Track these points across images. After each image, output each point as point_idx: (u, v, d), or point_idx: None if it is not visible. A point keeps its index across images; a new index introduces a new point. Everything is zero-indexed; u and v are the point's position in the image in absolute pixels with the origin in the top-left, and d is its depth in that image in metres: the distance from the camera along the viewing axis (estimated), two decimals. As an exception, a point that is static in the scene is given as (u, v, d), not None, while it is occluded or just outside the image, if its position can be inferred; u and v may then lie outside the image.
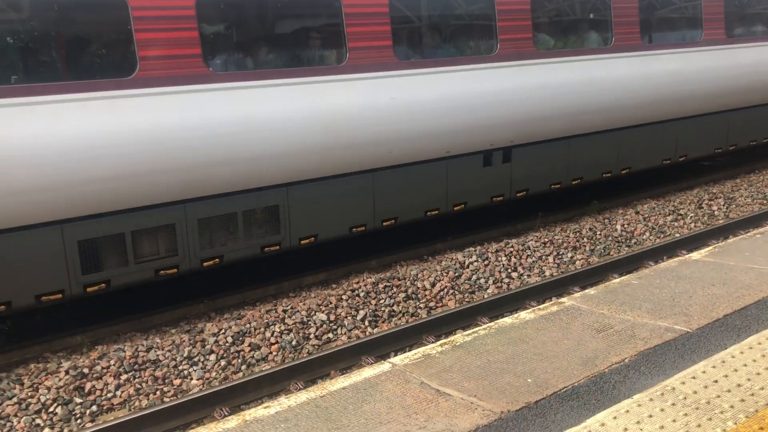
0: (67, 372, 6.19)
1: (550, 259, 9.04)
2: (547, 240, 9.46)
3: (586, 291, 5.12)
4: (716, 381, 3.60)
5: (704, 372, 3.71)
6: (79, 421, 5.81)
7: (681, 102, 10.82)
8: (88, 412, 5.89)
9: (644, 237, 9.97)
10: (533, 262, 8.92)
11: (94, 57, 6.41)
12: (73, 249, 6.31)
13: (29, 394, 5.96)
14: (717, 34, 11.18)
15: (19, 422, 5.68)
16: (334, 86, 7.44)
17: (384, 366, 3.98)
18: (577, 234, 9.74)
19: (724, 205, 11.26)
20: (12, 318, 7.34)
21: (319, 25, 7.67)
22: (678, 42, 10.81)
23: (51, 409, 5.84)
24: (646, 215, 10.60)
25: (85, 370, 6.23)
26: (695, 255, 5.89)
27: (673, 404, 3.38)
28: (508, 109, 8.81)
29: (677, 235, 10.01)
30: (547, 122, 9.29)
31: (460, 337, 4.36)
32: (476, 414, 3.40)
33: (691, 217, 10.73)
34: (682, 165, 11.88)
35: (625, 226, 10.19)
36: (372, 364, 4.03)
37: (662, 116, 10.75)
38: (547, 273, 8.70)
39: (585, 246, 9.48)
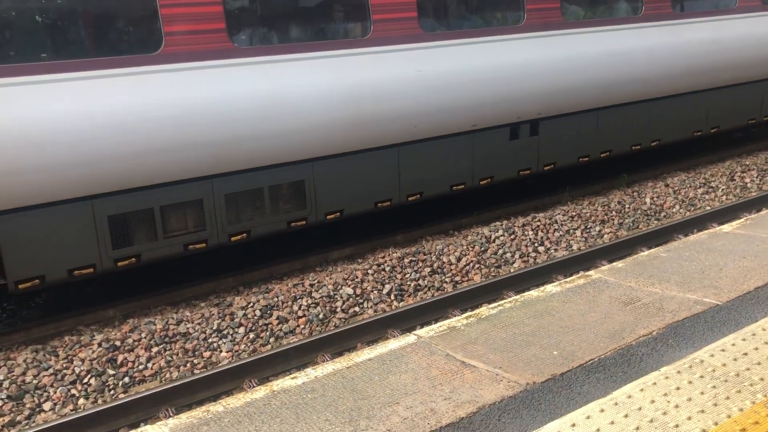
0: (100, 344, 6.33)
1: (578, 233, 8.96)
2: (574, 214, 9.37)
3: (614, 264, 5.07)
4: (746, 353, 3.55)
5: (734, 344, 3.66)
6: (112, 392, 5.96)
7: (713, 72, 10.57)
8: (120, 383, 6.02)
9: (674, 210, 9.83)
10: (560, 236, 8.85)
11: (120, 33, 6.45)
12: (103, 224, 6.41)
13: (64, 365, 6.11)
14: (751, 1, 10.86)
15: (55, 392, 5.83)
16: (359, 59, 7.40)
17: (409, 338, 4.00)
18: (606, 207, 9.63)
19: (757, 177, 11.03)
20: (46, 292, 7.52)
21: (343, -3, 7.62)
22: (711, 10, 10.52)
23: (85, 380, 5.99)
24: (676, 188, 10.44)
25: (117, 343, 6.37)
26: (726, 227, 5.79)
27: (701, 377, 3.35)
28: (536, 81, 8.68)
29: (708, 207, 9.85)
30: (575, 94, 9.14)
31: (485, 309, 4.36)
32: (501, 385, 3.41)
33: (722, 189, 10.54)
34: (713, 137, 11.64)
35: (655, 199, 10.04)
36: (397, 336, 4.05)
37: (694, 87, 10.52)
38: (575, 247, 8.63)
39: (613, 219, 9.37)
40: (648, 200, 9.98)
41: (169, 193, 6.69)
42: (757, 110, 11.69)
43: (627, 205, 9.77)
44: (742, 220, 6.04)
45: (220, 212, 7.01)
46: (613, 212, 9.54)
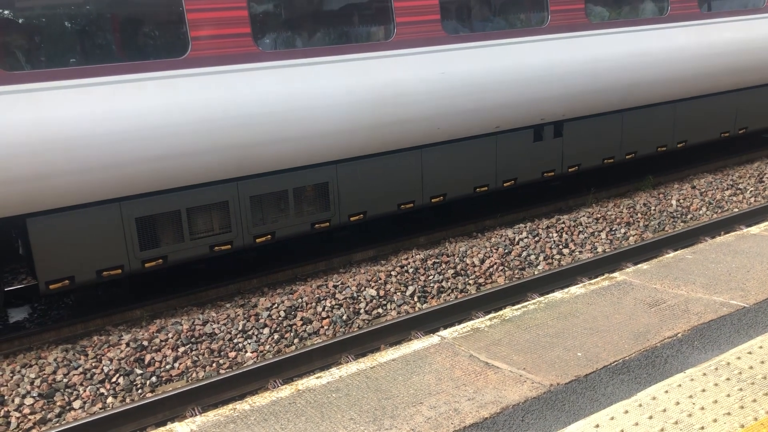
0: (127, 344, 6.44)
1: (603, 235, 8.90)
2: (599, 216, 9.31)
3: (639, 266, 5.04)
4: (773, 356, 3.52)
5: (761, 347, 3.63)
6: (140, 391, 6.05)
7: (741, 72, 10.43)
8: (148, 382, 6.12)
9: (701, 212, 9.71)
10: (585, 238, 8.80)
11: (147, 38, 6.56)
12: (131, 226, 6.52)
13: (93, 364, 6.23)
14: None
15: (84, 391, 5.94)
16: (382, 62, 7.44)
17: (433, 339, 4.02)
18: (631, 209, 9.56)
19: (786, 179, 10.87)
20: (76, 293, 7.66)
21: (367, 0, 7.66)
22: (738, 9, 10.39)
23: (114, 379, 6.09)
24: (703, 190, 10.32)
25: (145, 343, 6.47)
26: (754, 229, 5.72)
27: (728, 379, 3.32)
28: (560, 82, 8.65)
29: (735, 210, 9.72)
30: (600, 95, 9.09)
31: (509, 311, 4.36)
32: (525, 386, 3.41)
33: (750, 191, 10.39)
34: (742, 138, 11.48)
35: (681, 201, 9.94)
36: (421, 337, 4.07)
37: (721, 87, 10.39)
38: (600, 249, 8.58)
39: (639, 222, 9.30)
40: (674, 202, 9.88)
41: (195, 195, 6.79)
42: (787, 110, 11.51)
43: (653, 207, 9.68)
44: (770, 221, 5.96)
45: (245, 214, 7.09)
46: (639, 214, 9.46)
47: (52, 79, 5.91)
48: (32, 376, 6.00)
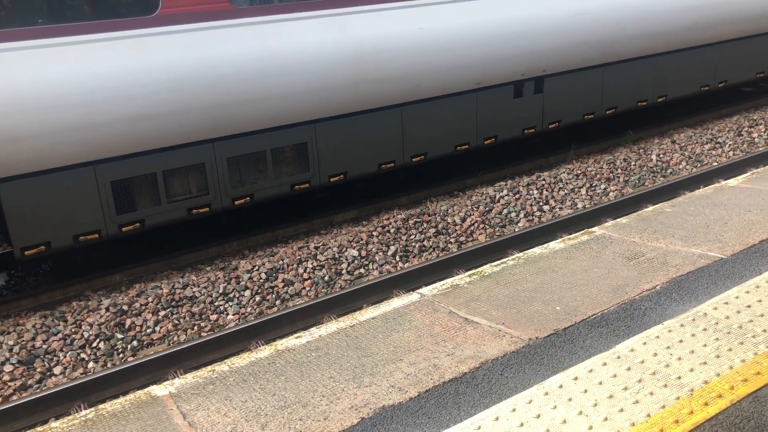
0: (107, 309, 6.39)
1: (583, 191, 8.92)
2: (579, 172, 9.32)
3: (618, 220, 5.04)
4: (749, 306, 3.54)
5: (737, 297, 3.65)
6: (121, 355, 6.03)
7: (720, 25, 10.37)
8: (129, 347, 6.09)
9: (680, 167, 9.75)
10: (565, 194, 8.81)
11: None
12: (106, 189, 6.41)
13: (73, 330, 6.18)
14: None
15: (65, 356, 5.91)
16: (360, 18, 7.29)
17: (412, 296, 4.01)
18: (611, 165, 9.57)
19: (765, 132, 10.91)
20: (53, 258, 7.56)
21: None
22: None
23: (94, 345, 6.06)
24: (683, 144, 10.34)
25: (125, 307, 6.42)
26: (732, 182, 5.74)
27: (705, 329, 3.35)
28: (541, 36, 8.55)
29: (715, 163, 9.77)
30: (580, 50, 9.00)
31: (488, 267, 4.36)
32: (504, 341, 3.42)
33: (729, 145, 10.44)
34: (722, 92, 11.48)
35: (661, 156, 9.96)
36: (401, 295, 4.06)
37: (701, 41, 10.33)
38: (580, 205, 8.60)
39: (619, 177, 9.32)
40: (654, 157, 9.90)
41: (171, 157, 6.67)
42: (766, 64, 11.50)
43: (633, 163, 9.69)
44: (748, 174, 5.98)
45: (222, 176, 6.99)
46: (619, 170, 9.48)
47: (20, 38, 5.72)
48: (11, 343, 5.95)
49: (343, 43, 7.19)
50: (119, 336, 6.16)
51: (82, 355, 5.97)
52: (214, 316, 6.46)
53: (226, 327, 6.32)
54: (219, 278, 6.88)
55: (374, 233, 7.74)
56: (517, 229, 8.02)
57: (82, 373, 5.80)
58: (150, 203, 6.70)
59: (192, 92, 6.45)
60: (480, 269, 4.34)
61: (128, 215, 6.61)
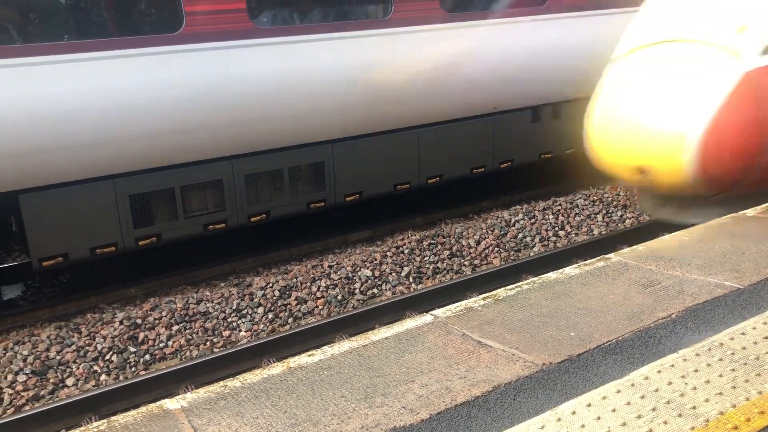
0: (121, 322, 6.42)
1: (599, 217, 8.88)
2: (596, 198, 9.29)
3: (634, 247, 5.02)
4: (766, 337, 3.50)
5: (754, 328, 3.62)
6: (133, 369, 6.05)
7: None
8: (141, 360, 6.11)
9: (698, 195, 9.68)
10: (581, 220, 8.78)
11: (142, 14, 6.47)
12: (125, 203, 6.48)
13: (87, 342, 6.21)
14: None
15: (78, 368, 5.94)
16: (380, 40, 7.36)
17: (426, 318, 4.00)
18: (628, 192, 9.53)
19: (784, 163, 10.82)
20: (70, 270, 7.63)
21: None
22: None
23: (107, 357, 6.09)
24: (701, 173, 10.27)
25: (139, 321, 6.45)
26: (749, 212, 5.70)
27: (720, 359, 3.31)
28: (558, 62, 8.58)
29: (733, 193, 9.69)
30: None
31: (502, 291, 4.34)
32: (517, 365, 3.40)
33: (748, 175, 10.35)
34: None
35: (678, 184, 9.90)
36: (414, 316, 4.06)
37: None
38: (596, 232, 8.56)
39: (636, 204, 9.27)
40: (671, 185, 9.84)
41: (189, 173, 6.74)
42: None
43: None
44: (766, 205, 5.94)
45: (240, 193, 7.05)
46: (636, 197, 9.43)
47: (45, 53, 5.84)
48: (25, 353, 5.99)
49: (361, 65, 7.25)
50: (132, 349, 6.18)
51: (95, 367, 5.99)
52: (226, 332, 6.48)
53: (239, 343, 6.33)
54: (233, 294, 6.91)
55: (388, 253, 7.74)
56: (532, 254, 7.99)
57: (94, 386, 5.82)
58: (167, 218, 6.76)
59: (212, 109, 6.53)
60: (494, 293, 4.33)
61: (145, 229, 6.67)
